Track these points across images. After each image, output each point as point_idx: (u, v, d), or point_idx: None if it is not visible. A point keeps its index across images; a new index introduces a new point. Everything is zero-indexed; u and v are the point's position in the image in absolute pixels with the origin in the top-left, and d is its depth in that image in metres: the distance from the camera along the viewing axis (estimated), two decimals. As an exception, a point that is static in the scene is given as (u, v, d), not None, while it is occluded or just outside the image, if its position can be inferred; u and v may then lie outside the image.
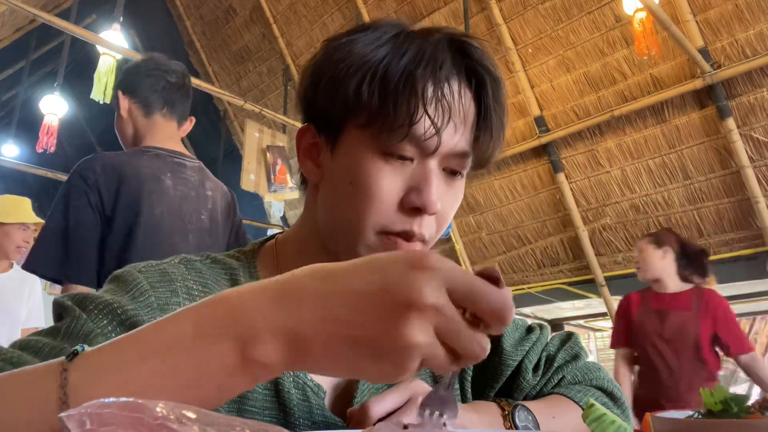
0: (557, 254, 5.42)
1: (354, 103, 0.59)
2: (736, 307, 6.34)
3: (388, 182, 0.60)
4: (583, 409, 0.74)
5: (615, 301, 5.26)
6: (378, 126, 0.59)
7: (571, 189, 5.13)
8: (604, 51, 4.63)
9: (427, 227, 0.61)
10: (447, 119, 0.59)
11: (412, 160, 0.60)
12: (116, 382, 0.37)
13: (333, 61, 0.62)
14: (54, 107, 4.68)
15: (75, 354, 0.39)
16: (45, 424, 0.36)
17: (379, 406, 0.57)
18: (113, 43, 3.79)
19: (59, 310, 0.58)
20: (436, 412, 0.44)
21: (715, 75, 4.09)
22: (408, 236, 0.60)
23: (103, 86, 3.66)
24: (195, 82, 4.72)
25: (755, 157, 4.21)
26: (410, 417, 0.57)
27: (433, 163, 0.61)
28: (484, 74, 0.62)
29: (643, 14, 3.51)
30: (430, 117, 0.58)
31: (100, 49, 3.80)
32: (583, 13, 4.61)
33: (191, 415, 0.25)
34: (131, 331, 0.40)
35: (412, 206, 0.59)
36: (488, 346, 0.38)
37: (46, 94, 4.77)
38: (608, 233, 5.09)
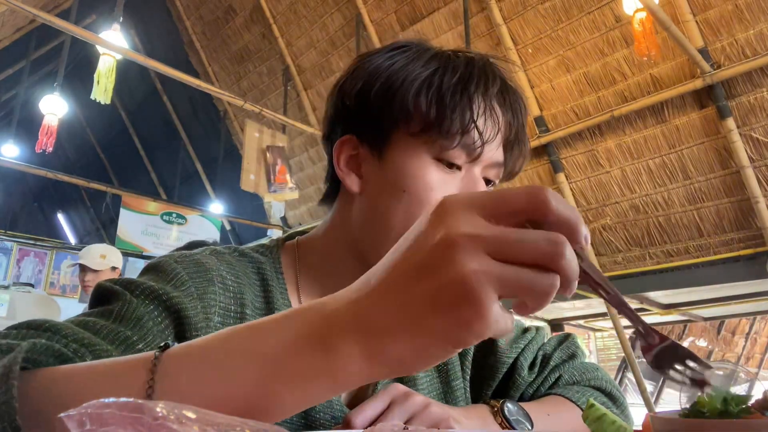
0: (557, 254, 5.41)
1: (410, 112, 0.63)
2: (736, 307, 6.36)
3: (442, 189, 0.63)
4: (581, 409, 0.75)
5: (615, 301, 5.26)
6: (433, 133, 0.62)
7: (571, 189, 5.13)
8: (604, 51, 4.63)
9: None
10: (496, 132, 0.65)
11: (459, 168, 0.65)
12: (198, 376, 0.39)
13: (384, 73, 0.65)
14: (54, 107, 4.68)
15: (166, 347, 0.41)
16: None
17: (361, 417, 0.57)
18: (113, 43, 3.79)
19: (106, 294, 0.59)
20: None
21: (715, 75, 4.08)
22: None
23: (103, 86, 3.66)
24: (195, 82, 4.73)
25: (755, 157, 4.21)
26: (394, 421, 0.57)
27: (478, 172, 0.66)
28: (519, 98, 0.68)
29: (643, 14, 3.51)
30: (478, 129, 0.63)
31: (100, 49, 3.80)
32: (583, 14, 4.61)
33: (191, 415, 0.25)
34: (221, 331, 0.42)
35: None
36: (563, 240, 0.34)
37: (46, 94, 4.78)
38: (608, 233, 5.09)
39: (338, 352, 0.36)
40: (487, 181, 0.69)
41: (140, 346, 0.53)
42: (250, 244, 0.76)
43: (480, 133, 0.63)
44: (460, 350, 0.35)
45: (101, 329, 0.52)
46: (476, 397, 0.81)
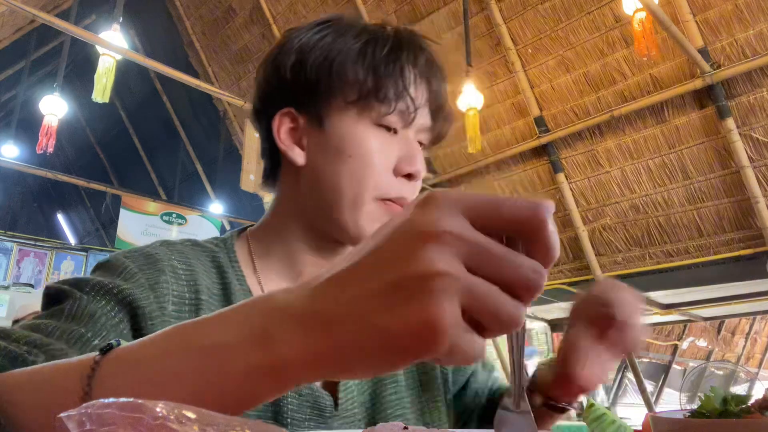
0: (557, 254, 5.42)
1: (347, 81, 0.66)
2: (736, 307, 6.36)
3: (383, 151, 0.67)
4: None
5: (615, 301, 5.26)
6: (370, 100, 0.66)
7: (571, 189, 5.13)
8: (604, 51, 4.63)
9: (415, 192, 0.70)
10: (425, 98, 0.70)
11: (395, 132, 0.69)
12: (137, 376, 0.37)
13: (318, 46, 0.68)
14: (54, 107, 4.68)
15: (109, 348, 0.40)
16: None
17: None
18: (113, 43, 3.79)
19: (55, 295, 0.58)
20: None
21: (714, 75, 4.09)
22: (402, 203, 0.68)
23: (102, 87, 3.66)
24: (195, 82, 4.73)
25: (755, 157, 4.21)
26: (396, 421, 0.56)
27: (412, 135, 0.70)
28: (440, 68, 0.73)
29: (642, 14, 3.51)
30: (410, 96, 0.67)
31: (99, 49, 3.80)
32: (583, 14, 4.62)
33: (191, 415, 0.25)
34: (169, 327, 0.40)
35: (405, 173, 0.68)
36: (545, 273, 0.31)
37: (46, 95, 4.77)
38: (608, 233, 5.09)
39: (277, 345, 0.33)
40: (420, 144, 0.73)
41: (96, 342, 0.53)
42: (206, 238, 0.76)
43: (412, 99, 0.68)
44: (406, 365, 0.31)
45: (54, 330, 0.52)
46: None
